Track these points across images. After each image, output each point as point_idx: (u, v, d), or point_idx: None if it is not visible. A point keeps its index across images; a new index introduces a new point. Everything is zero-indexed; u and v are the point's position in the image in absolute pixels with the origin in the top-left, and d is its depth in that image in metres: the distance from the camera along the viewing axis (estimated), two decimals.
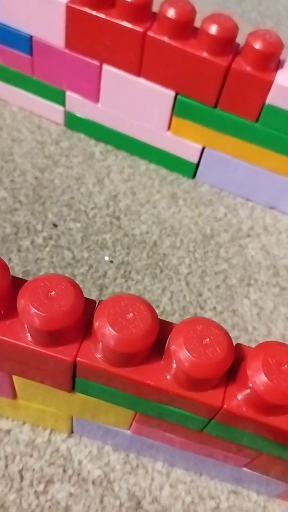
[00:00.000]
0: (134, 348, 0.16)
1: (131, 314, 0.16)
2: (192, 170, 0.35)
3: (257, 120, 0.30)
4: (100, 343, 0.17)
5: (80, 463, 0.24)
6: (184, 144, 0.34)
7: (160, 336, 0.17)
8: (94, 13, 0.30)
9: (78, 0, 0.30)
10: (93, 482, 0.24)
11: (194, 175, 0.36)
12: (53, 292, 0.16)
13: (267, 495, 0.25)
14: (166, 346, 0.17)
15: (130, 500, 0.24)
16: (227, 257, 0.32)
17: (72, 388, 0.20)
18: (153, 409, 0.19)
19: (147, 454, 0.25)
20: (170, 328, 0.17)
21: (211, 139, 0.33)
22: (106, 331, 0.16)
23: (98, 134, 0.37)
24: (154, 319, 0.17)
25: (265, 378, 0.16)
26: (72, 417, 0.23)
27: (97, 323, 0.17)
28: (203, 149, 0.34)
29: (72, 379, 0.19)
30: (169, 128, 0.34)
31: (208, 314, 0.30)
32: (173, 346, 0.17)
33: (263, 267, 0.32)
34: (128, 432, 0.23)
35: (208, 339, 0.16)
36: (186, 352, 0.16)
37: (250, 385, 0.16)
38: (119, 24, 0.29)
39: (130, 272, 0.31)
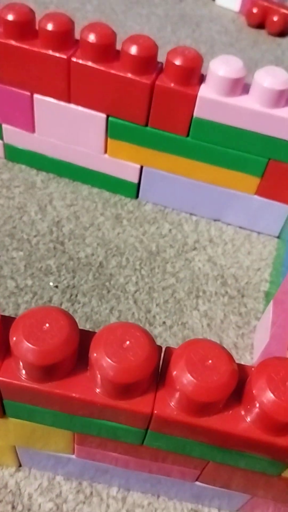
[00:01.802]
0: (53, 360, 0.16)
1: (47, 325, 0.16)
2: (133, 190, 0.36)
3: (188, 135, 0.31)
4: (20, 361, 0.16)
5: (30, 497, 0.23)
6: (122, 165, 0.34)
7: (82, 346, 0.17)
8: (18, 44, 0.30)
9: (2, 33, 0.30)
10: None
11: (137, 195, 0.36)
12: (128, 342, 0.16)
13: (229, 510, 0.24)
14: (89, 355, 0.16)
15: None
16: (174, 271, 0.32)
17: (3, 413, 0.19)
18: (87, 426, 0.18)
19: (100, 480, 0.24)
20: (91, 337, 0.17)
21: (147, 158, 0.33)
22: (24, 345, 0.16)
23: (38, 163, 0.37)
24: (71, 329, 0.16)
25: (191, 377, 0.16)
26: (15, 448, 0.22)
27: (14, 338, 0.16)
28: (141, 168, 0.34)
29: (0, 403, 0.18)
30: (105, 150, 0.34)
31: (158, 330, 0.29)
32: (94, 354, 0.16)
33: (210, 278, 0.32)
34: (75, 457, 0.22)
35: (128, 342, 0.16)
36: (107, 358, 0.16)
37: (178, 387, 0.16)
38: (44, 53, 0.30)
39: (76, 295, 0.30)
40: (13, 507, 0.23)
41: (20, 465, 0.24)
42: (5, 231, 0.33)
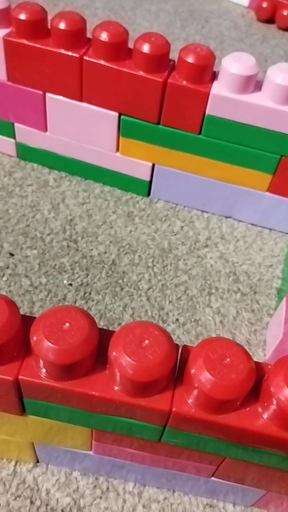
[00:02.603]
0: (73, 359, 0.16)
1: (67, 324, 0.16)
2: (145, 188, 0.36)
3: (200, 132, 0.31)
4: (41, 360, 0.16)
5: (48, 492, 0.23)
6: (134, 163, 0.34)
7: (100, 345, 0.17)
8: (31, 43, 0.30)
9: (14, 33, 0.30)
10: (63, 511, 0.23)
11: (148, 193, 0.36)
12: (147, 341, 0.16)
13: (244, 505, 0.24)
14: (108, 354, 0.17)
15: None
16: (186, 268, 0.32)
17: (23, 411, 0.19)
18: (105, 423, 0.18)
19: (117, 475, 0.24)
20: (110, 336, 0.17)
21: (159, 156, 0.33)
22: (45, 345, 0.16)
23: (50, 162, 0.37)
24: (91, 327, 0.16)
25: (209, 375, 0.16)
26: (33, 444, 0.22)
27: (34, 337, 0.16)
28: (153, 166, 0.34)
29: (20, 400, 0.18)
30: (117, 149, 0.34)
31: (171, 327, 0.29)
32: (114, 353, 0.16)
33: (223, 275, 0.32)
34: (92, 453, 0.22)
35: (147, 341, 0.16)
36: (126, 357, 0.16)
37: (196, 384, 0.16)
38: (56, 52, 0.30)
39: (90, 293, 0.30)
40: (31, 502, 0.23)
41: (37, 461, 0.24)
42: (19, 230, 0.33)
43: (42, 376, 0.17)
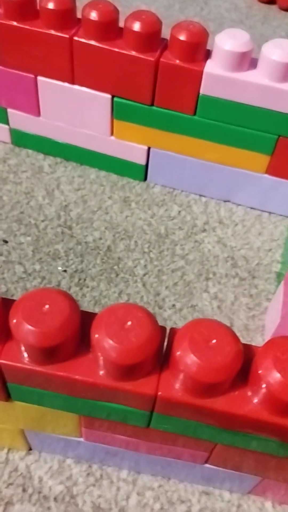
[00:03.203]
0: (53, 342, 0.15)
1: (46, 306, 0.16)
2: (141, 172, 0.35)
3: (195, 113, 0.30)
4: (21, 344, 0.16)
5: (40, 480, 0.23)
6: (129, 146, 0.34)
7: (84, 328, 0.16)
8: (20, 25, 0.30)
9: (3, 15, 0.30)
10: (55, 499, 0.23)
11: (145, 178, 0.35)
12: (129, 323, 0.16)
13: (240, 492, 0.24)
14: (91, 337, 0.16)
15: None
16: (183, 254, 0.32)
17: (8, 396, 0.19)
18: (91, 408, 0.18)
19: (111, 463, 0.24)
20: (93, 318, 0.16)
21: (154, 138, 0.32)
22: (24, 328, 0.15)
23: (45, 147, 0.36)
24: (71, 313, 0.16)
25: (194, 357, 0.15)
26: (23, 432, 0.22)
27: (14, 320, 0.16)
28: (149, 149, 0.34)
29: (4, 386, 0.18)
30: (112, 132, 0.33)
31: (168, 313, 0.29)
32: (96, 336, 0.16)
33: (221, 260, 0.31)
34: (84, 440, 0.21)
35: (129, 323, 0.16)
36: (108, 339, 0.15)
37: (181, 368, 0.16)
38: (46, 33, 0.29)
39: (85, 280, 0.30)
40: (23, 490, 0.23)
41: (30, 449, 0.24)
42: (13, 217, 0.33)
43: (24, 360, 0.16)
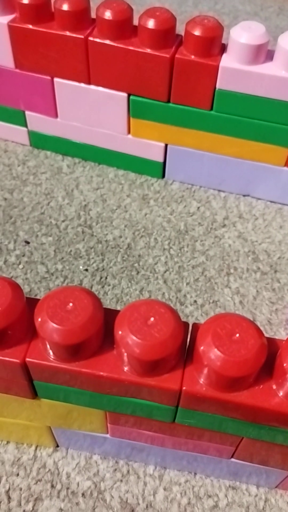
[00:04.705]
0: (78, 339, 0.16)
1: (71, 305, 0.16)
2: (159, 169, 0.35)
3: (211, 108, 0.30)
4: (47, 342, 0.16)
5: (68, 476, 0.23)
6: (147, 144, 0.34)
7: (107, 325, 0.16)
8: (36, 28, 0.30)
9: (18, 18, 0.30)
10: (83, 495, 0.23)
11: (163, 175, 0.35)
12: (152, 319, 0.16)
13: (267, 486, 0.23)
14: (114, 333, 0.16)
15: (123, 508, 0.23)
16: (203, 249, 0.32)
17: (35, 394, 0.19)
18: (117, 404, 0.18)
19: (137, 458, 0.24)
20: (116, 315, 0.17)
21: (172, 135, 0.33)
22: (49, 326, 0.16)
23: (63, 148, 0.37)
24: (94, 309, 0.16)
25: (218, 352, 0.15)
26: (50, 428, 0.22)
27: (39, 319, 0.16)
28: (166, 146, 0.34)
29: (31, 384, 0.18)
30: (129, 131, 0.34)
31: (189, 309, 0.29)
32: (119, 332, 0.16)
33: (241, 255, 0.31)
34: (110, 436, 0.22)
35: (152, 319, 0.16)
36: (132, 335, 0.15)
37: (205, 362, 0.16)
38: (61, 34, 0.30)
39: (106, 278, 0.30)
40: (52, 486, 0.23)
41: (57, 446, 0.24)
42: (34, 218, 0.33)
43: (49, 358, 0.17)
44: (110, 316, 0.17)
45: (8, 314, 0.16)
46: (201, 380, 0.16)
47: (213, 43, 0.28)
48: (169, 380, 0.16)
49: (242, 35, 0.27)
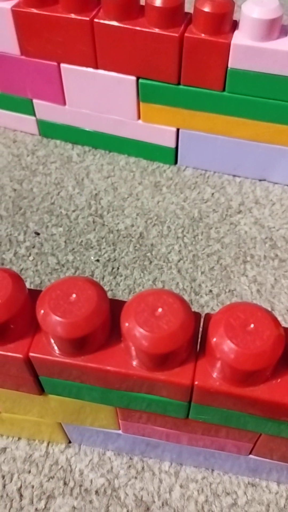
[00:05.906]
0: (82, 332, 0.15)
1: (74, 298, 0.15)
2: (171, 155, 0.34)
3: (223, 89, 0.29)
4: (50, 336, 0.15)
5: (81, 473, 0.23)
6: (158, 129, 0.33)
7: (114, 317, 0.16)
8: (40, 11, 0.29)
9: (22, 2, 0.29)
10: (97, 492, 0.22)
11: (175, 161, 0.34)
12: (160, 310, 0.15)
13: None
14: (121, 326, 0.15)
15: (138, 506, 0.22)
16: (218, 237, 0.30)
17: (42, 390, 0.18)
18: (126, 400, 0.17)
19: (152, 455, 0.23)
20: (121, 307, 0.16)
21: (183, 119, 0.31)
22: (51, 318, 0.15)
23: (72, 137, 0.36)
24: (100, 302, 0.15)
25: (231, 344, 0.14)
26: (61, 425, 0.22)
27: (41, 311, 0.15)
28: (178, 131, 0.32)
29: (36, 379, 0.17)
30: (139, 116, 0.32)
31: (205, 299, 0.28)
32: (126, 324, 0.15)
33: (258, 242, 0.30)
34: (121, 432, 0.21)
35: (160, 309, 0.15)
36: (139, 327, 0.15)
37: (218, 355, 0.15)
38: (66, 17, 0.29)
39: (118, 268, 0.29)
40: (65, 483, 0.22)
41: (69, 442, 0.23)
42: (44, 208, 0.32)
43: (53, 352, 0.16)
44: (117, 307, 0.16)
45: (9, 307, 0.15)
46: (215, 374, 0.15)
47: (224, 20, 0.26)
48: (180, 375, 0.15)
49: (254, 9, 0.26)
